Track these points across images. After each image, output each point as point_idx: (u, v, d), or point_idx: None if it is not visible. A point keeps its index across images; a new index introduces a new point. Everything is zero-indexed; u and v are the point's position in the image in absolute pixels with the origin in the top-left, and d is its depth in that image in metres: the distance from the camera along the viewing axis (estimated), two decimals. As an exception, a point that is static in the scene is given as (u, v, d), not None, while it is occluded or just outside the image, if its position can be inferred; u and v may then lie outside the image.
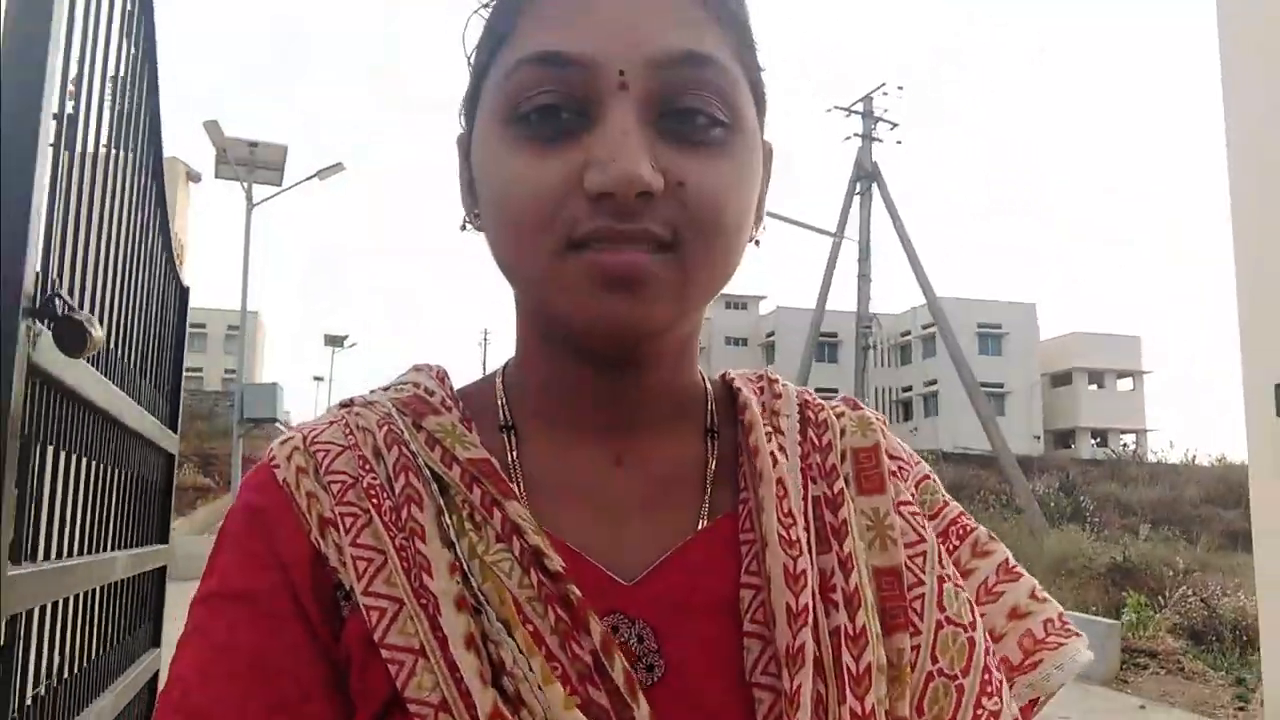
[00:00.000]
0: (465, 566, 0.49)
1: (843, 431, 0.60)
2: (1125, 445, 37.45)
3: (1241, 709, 5.62)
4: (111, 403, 1.96)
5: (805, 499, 0.55)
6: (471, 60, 0.55)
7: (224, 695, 0.47)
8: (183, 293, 3.28)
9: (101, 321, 1.84)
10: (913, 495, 0.60)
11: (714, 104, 0.49)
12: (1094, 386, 43.00)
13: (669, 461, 0.57)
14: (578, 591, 0.48)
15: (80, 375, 1.66)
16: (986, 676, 0.52)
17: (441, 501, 0.51)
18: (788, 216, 15.47)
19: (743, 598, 0.51)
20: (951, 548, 0.59)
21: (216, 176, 15.08)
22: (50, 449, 1.56)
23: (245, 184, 14.68)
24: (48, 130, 1.43)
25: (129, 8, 2.03)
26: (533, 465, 0.55)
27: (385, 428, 0.54)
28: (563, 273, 0.48)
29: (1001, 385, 39.99)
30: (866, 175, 18.05)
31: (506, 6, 0.52)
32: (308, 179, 15.11)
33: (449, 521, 0.50)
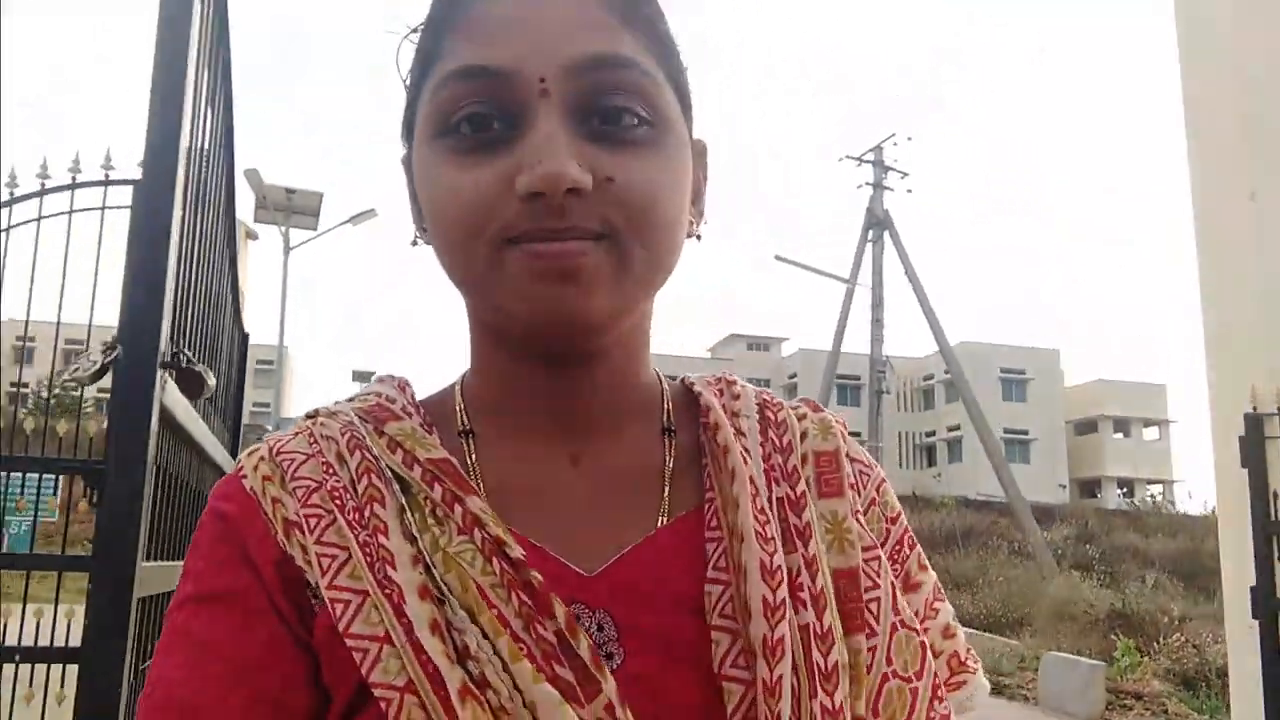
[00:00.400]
0: (428, 559, 0.50)
1: (804, 434, 0.61)
2: (1151, 495, 37.01)
3: (1221, 748, 5.84)
4: (198, 435, 2.42)
5: (770, 499, 0.55)
6: (406, 83, 0.58)
7: (207, 690, 0.48)
8: (244, 338, 3.78)
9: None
10: (875, 498, 0.62)
11: (635, 103, 0.51)
12: (1119, 435, 42.48)
13: (626, 460, 0.57)
14: (539, 577, 0.49)
15: (184, 413, 2.12)
16: (936, 681, 0.55)
17: (404, 500, 0.52)
18: (804, 263, 15.98)
19: (709, 592, 0.52)
20: (904, 557, 0.61)
21: (255, 221, 15.78)
22: (162, 472, 2.02)
23: (283, 229, 15.38)
24: (176, 225, 1.91)
25: (216, 84, 2.47)
26: (491, 468, 0.57)
27: (348, 434, 0.56)
28: (501, 269, 0.50)
29: (1026, 432, 39.61)
30: (878, 223, 18.58)
31: (433, 29, 0.55)
32: (341, 224, 15.82)
33: (411, 519, 0.51)
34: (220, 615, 0.50)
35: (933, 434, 41.79)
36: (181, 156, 1.87)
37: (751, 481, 0.55)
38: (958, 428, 39.22)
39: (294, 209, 15.40)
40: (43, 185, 3.63)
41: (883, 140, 19.45)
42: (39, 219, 3.63)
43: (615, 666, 0.49)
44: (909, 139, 20.19)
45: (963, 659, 0.61)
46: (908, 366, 38.92)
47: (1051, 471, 38.65)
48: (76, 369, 2.23)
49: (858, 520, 0.57)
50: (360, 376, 46.16)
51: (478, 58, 0.51)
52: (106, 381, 1.86)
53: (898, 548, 0.61)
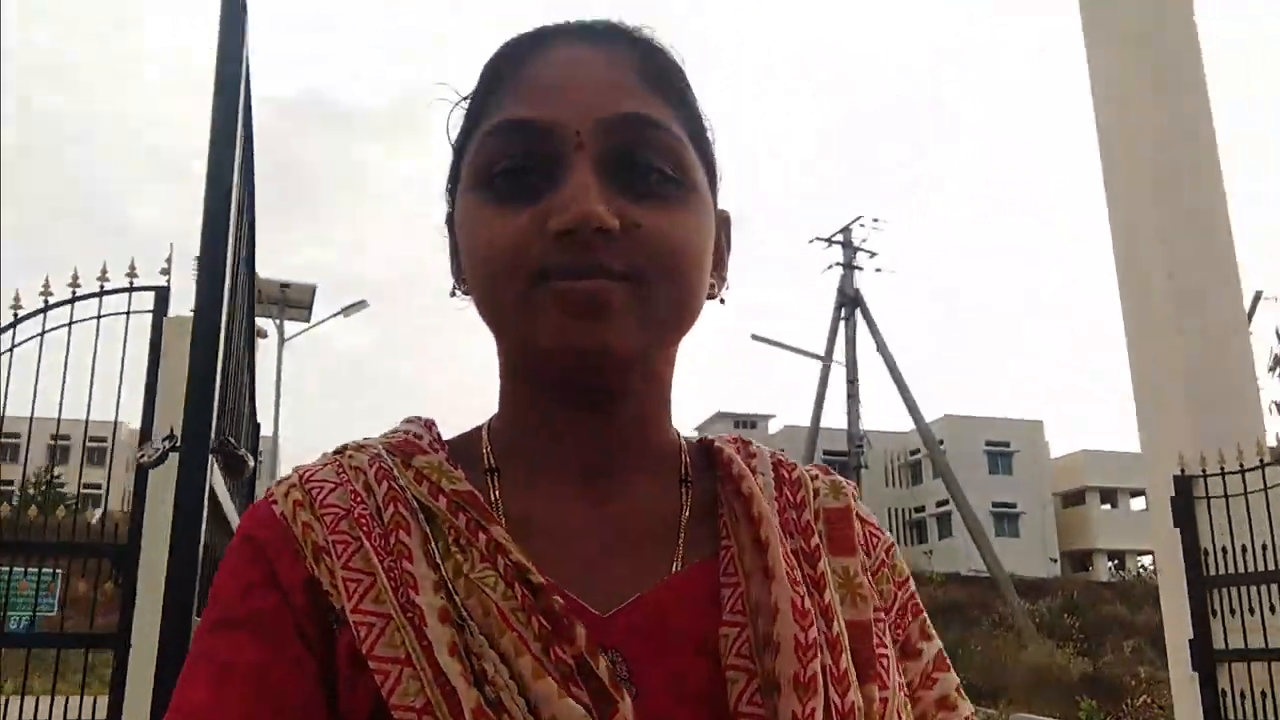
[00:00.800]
0: (450, 585, 0.51)
1: (816, 492, 0.63)
2: (1141, 567, 36.91)
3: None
4: (228, 510, 2.86)
5: (787, 551, 0.57)
6: (454, 146, 0.62)
7: (232, 711, 0.49)
8: (255, 427, 4.24)
9: (229, 450, 2.77)
10: (885, 560, 0.63)
11: (664, 162, 0.55)
12: (1107, 506, 42.25)
13: (645, 507, 0.59)
14: (560, 601, 0.51)
15: (223, 493, 2.55)
16: None
17: (428, 529, 0.54)
18: (780, 341, 16.63)
19: (725, 635, 0.53)
20: (906, 623, 0.62)
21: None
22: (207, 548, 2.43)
23: (278, 321, 15.89)
24: (222, 330, 2.37)
25: (242, 195, 2.77)
26: (514, 506, 0.58)
27: (375, 465, 0.57)
28: (532, 304, 0.53)
29: (1014, 505, 39.34)
30: (849, 301, 19.36)
31: (479, 92, 0.60)
32: (333, 316, 16.37)
33: (435, 546, 0.53)
34: (245, 639, 0.52)
35: (922, 509, 41.46)
36: (228, 270, 2.33)
37: (776, 531, 0.57)
38: (946, 503, 38.90)
39: (288, 302, 15.92)
40: (73, 293, 4.15)
41: (850, 222, 20.44)
42: (70, 323, 4.12)
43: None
44: (875, 221, 21.15)
45: None
46: (894, 442, 38.95)
47: (1042, 545, 38.37)
48: (143, 455, 2.75)
49: (868, 579, 0.59)
50: (349, 463, 46.03)
51: (519, 113, 0.55)
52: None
53: (901, 613, 0.62)
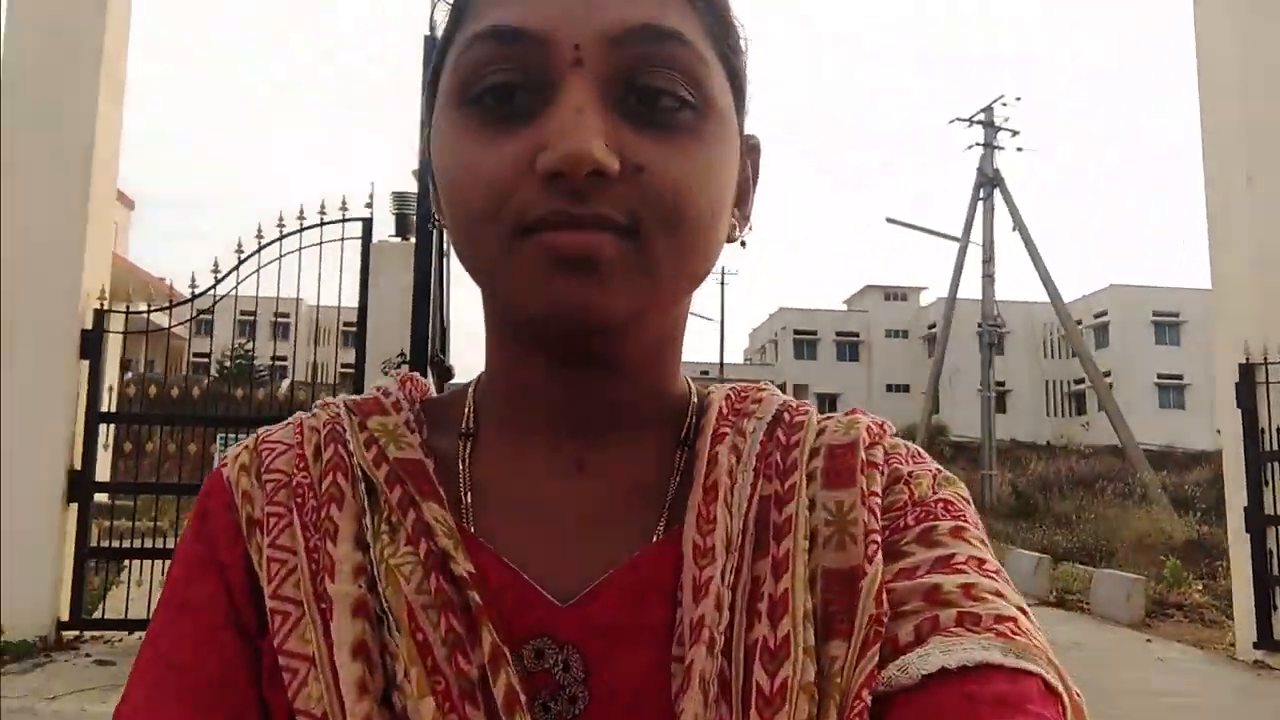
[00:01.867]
0: (374, 570, 0.46)
1: (821, 431, 0.53)
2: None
3: (1234, 644, 7.00)
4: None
5: (751, 499, 0.49)
6: (436, 53, 0.53)
7: (165, 715, 0.46)
8: (445, 334, 5.73)
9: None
10: (908, 474, 0.51)
11: (679, 84, 0.46)
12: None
13: (634, 471, 0.52)
14: (478, 599, 0.45)
15: (433, 393, 4.09)
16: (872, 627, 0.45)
17: (366, 502, 0.49)
18: (915, 224, 16.90)
19: (679, 619, 0.46)
20: (902, 529, 0.49)
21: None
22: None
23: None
24: (432, 275, 3.72)
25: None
26: (486, 472, 0.52)
27: (329, 427, 0.53)
28: (515, 258, 0.45)
29: (1181, 377, 38.24)
30: (989, 181, 19.25)
31: None
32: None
33: (369, 523, 0.48)
34: (187, 629, 0.48)
35: (1081, 381, 40.72)
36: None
37: (709, 488, 0.49)
38: (1108, 374, 37.88)
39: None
40: (300, 225, 5.92)
41: (992, 101, 20.03)
42: (300, 249, 5.87)
43: (577, 712, 0.44)
44: (1017, 99, 20.45)
45: (947, 625, 0.43)
46: (1054, 314, 38.11)
47: (1210, 418, 37.15)
48: (385, 367, 4.43)
49: (870, 506, 0.48)
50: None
51: (507, 18, 0.46)
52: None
53: (925, 511, 0.50)
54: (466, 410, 0.55)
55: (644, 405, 0.53)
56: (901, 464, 0.53)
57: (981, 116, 19.51)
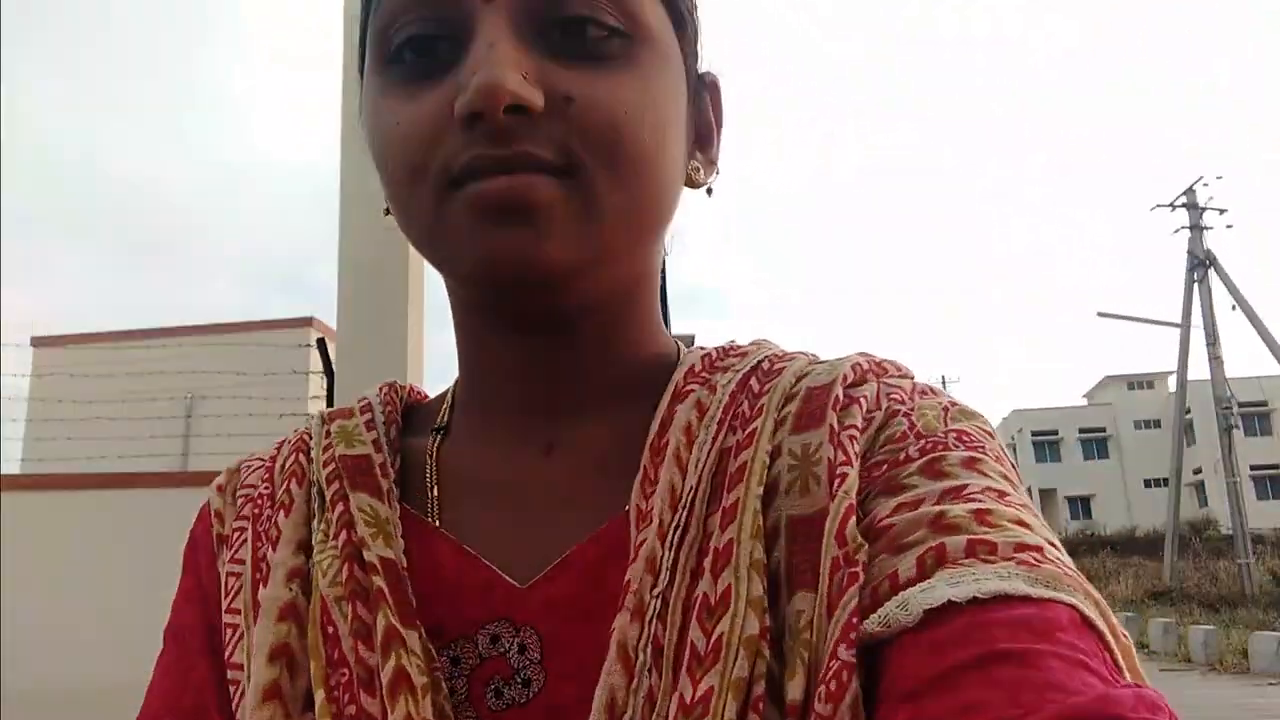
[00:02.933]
0: (309, 573, 0.45)
1: (801, 375, 0.47)
2: None
3: None
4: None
5: (708, 453, 0.44)
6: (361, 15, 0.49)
7: None
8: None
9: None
10: (909, 409, 0.45)
11: (603, 9, 0.43)
12: None
13: (605, 447, 0.48)
14: (381, 584, 0.43)
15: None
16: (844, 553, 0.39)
17: (315, 506, 0.48)
18: (1128, 315, 16.63)
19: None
20: (899, 462, 0.43)
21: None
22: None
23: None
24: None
25: None
26: (455, 464, 0.50)
27: (299, 436, 0.52)
28: (445, 215, 0.42)
29: (1276, 466, 33.20)
30: (1200, 263, 18.67)
31: None
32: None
33: (316, 526, 0.47)
34: (172, 653, 0.48)
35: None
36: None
37: (656, 449, 0.45)
38: (1198, 471, 34.87)
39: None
40: None
41: (1192, 183, 19.48)
42: None
43: (532, 695, 0.42)
44: (1218, 178, 19.62)
45: (955, 557, 0.36)
46: (1247, 390, 35.07)
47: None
48: None
49: (839, 442, 0.43)
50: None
51: None
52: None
53: (933, 442, 0.43)
54: (444, 405, 0.54)
55: (614, 374, 0.50)
56: (903, 399, 0.46)
57: (1184, 200, 19.09)
